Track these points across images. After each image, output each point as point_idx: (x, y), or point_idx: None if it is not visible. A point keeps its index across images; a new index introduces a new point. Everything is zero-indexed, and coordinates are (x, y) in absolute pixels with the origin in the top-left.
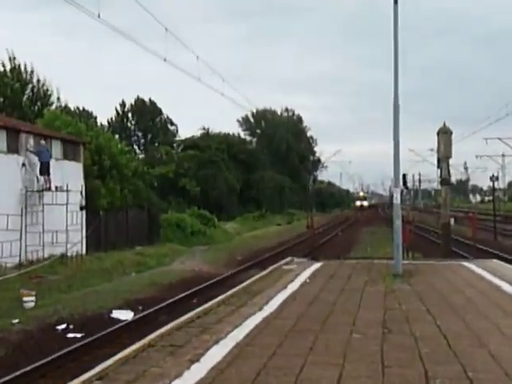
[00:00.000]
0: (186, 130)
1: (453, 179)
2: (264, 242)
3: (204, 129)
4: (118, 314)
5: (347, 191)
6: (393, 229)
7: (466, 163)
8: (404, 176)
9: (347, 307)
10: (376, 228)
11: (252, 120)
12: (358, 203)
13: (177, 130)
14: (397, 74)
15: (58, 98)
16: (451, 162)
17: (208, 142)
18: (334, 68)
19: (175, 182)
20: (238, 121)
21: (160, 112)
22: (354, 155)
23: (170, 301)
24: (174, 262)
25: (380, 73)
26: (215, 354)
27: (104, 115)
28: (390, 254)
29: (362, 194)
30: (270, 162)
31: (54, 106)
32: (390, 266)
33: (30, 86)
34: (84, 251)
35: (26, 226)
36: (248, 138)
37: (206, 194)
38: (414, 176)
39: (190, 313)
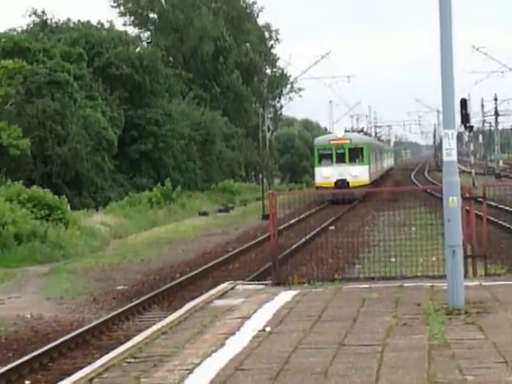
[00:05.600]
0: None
1: None
2: (173, 251)
3: (37, 14)
4: None
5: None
6: (443, 215)
7: None
8: (463, 104)
9: None
10: (407, 209)
11: None
12: (327, 173)
13: None
14: None
15: None
16: None
17: (47, 41)
18: None
19: None
20: None
21: None
22: (357, 66)
23: None
24: None
25: None
26: None
27: None
28: (439, 270)
29: (339, 134)
30: (181, 84)
31: None
32: (438, 294)
33: None
34: None
35: None
36: (133, 32)
37: (45, 154)
38: (483, 103)
39: None
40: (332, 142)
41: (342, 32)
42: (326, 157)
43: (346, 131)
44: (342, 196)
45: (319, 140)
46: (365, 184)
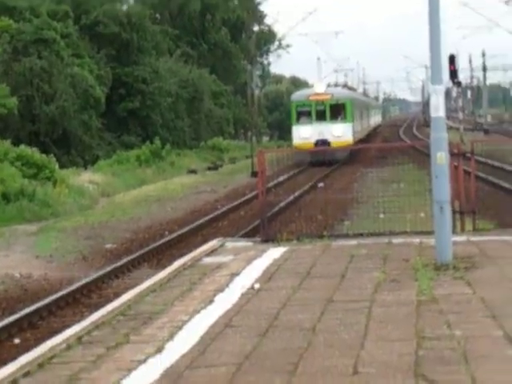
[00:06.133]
0: None
1: None
2: (162, 209)
3: None
4: None
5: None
6: (431, 171)
7: None
8: (452, 59)
9: (339, 340)
10: (395, 166)
11: None
12: (306, 133)
13: None
14: None
15: None
16: None
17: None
18: None
19: None
20: None
21: None
22: (345, 24)
23: None
24: None
25: None
26: None
27: None
28: (428, 225)
29: (319, 89)
30: (168, 41)
31: None
32: (427, 250)
33: None
34: None
35: None
36: None
37: (33, 113)
38: (470, 60)
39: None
40: (311, 97)
41: None
42: (304, 114)
43: (328, 86)
44: (323, 156)
45: (297, 95)
46: (348, 144)
